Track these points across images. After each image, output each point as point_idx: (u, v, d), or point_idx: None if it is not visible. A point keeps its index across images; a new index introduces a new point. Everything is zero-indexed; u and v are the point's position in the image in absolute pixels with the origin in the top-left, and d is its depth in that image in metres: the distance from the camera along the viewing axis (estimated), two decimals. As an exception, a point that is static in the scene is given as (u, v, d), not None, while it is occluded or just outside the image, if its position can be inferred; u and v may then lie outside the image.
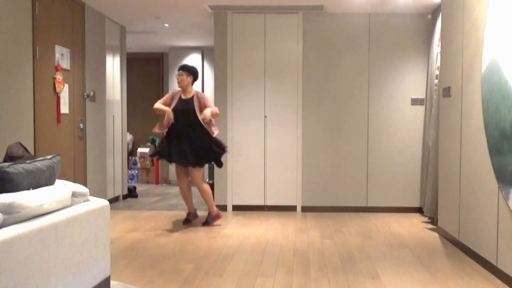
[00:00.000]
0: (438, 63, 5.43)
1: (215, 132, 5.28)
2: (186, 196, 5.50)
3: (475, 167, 4.05)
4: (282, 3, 6.04)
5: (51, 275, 2.37)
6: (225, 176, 6.37)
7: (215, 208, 5.47)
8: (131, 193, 7.53)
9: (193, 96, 5.32)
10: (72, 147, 5.59)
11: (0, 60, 4.35)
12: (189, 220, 5.52)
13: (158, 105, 5.33)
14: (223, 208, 6.31)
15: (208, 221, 5.42)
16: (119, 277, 3.56)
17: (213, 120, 5.28)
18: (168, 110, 5.20)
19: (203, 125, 5.19)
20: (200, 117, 5.19)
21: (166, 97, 5.43)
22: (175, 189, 8.46)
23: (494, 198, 3.66)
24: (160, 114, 5.33)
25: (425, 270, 3.81)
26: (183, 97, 5.33)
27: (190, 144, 5.19)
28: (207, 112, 5.17)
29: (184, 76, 5.33)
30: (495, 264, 3.65)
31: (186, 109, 5.23)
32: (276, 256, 4.21)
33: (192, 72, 5.40)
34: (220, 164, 5.47)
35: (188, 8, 6.23)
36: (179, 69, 5.44)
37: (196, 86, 9.05)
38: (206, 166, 8.31)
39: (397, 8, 6.03)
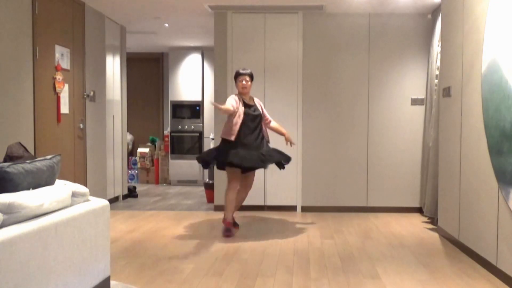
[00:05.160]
0: (438, 63, 5.43)
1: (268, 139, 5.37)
2: (235, 204, 5.27)
3: (475, 167, 4.05)
4: (282, 3, 6.04)
5: (51, 275, 2.37)
6: (225, 176, 6.36)
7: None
8: (131, 193, 7.53)
9: (254, 102, 5.28)
10: (72, 147, 5.59)
11: (0, 60, 4.35)
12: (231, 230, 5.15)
13: (229, 107, 5.04)
14: (223, 208, 6.29)
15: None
16: (119, 277, 3.56)
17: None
18: (229, 109, 5.02)
19: (264, 131, 5.24)
20: (284, 132, 5.37)
21: (235, 100, 5.12)
22: (175, 189, 8.47)
23: (494, 198, 3.66)
24: (226, 113, 5.12)
25: (425, 270, 3.81)
26: (246, 101, 5.22)
27: (258, 149, 5.14)
28: (284, 130, 5.41)
29: (250, 83, 5.24)
30: (495, 264, 3.65)
31: (255, 115, 5.17)
32: (276, 256, 4.21)
33: (252, 78, 5.32)
34: (283, 166, 5.41)
35: (188, 8, 6.23)
36: (245, 74, 5.21)
37: (196, 86, 9.12)
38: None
39: (397, 8, 6.03)
